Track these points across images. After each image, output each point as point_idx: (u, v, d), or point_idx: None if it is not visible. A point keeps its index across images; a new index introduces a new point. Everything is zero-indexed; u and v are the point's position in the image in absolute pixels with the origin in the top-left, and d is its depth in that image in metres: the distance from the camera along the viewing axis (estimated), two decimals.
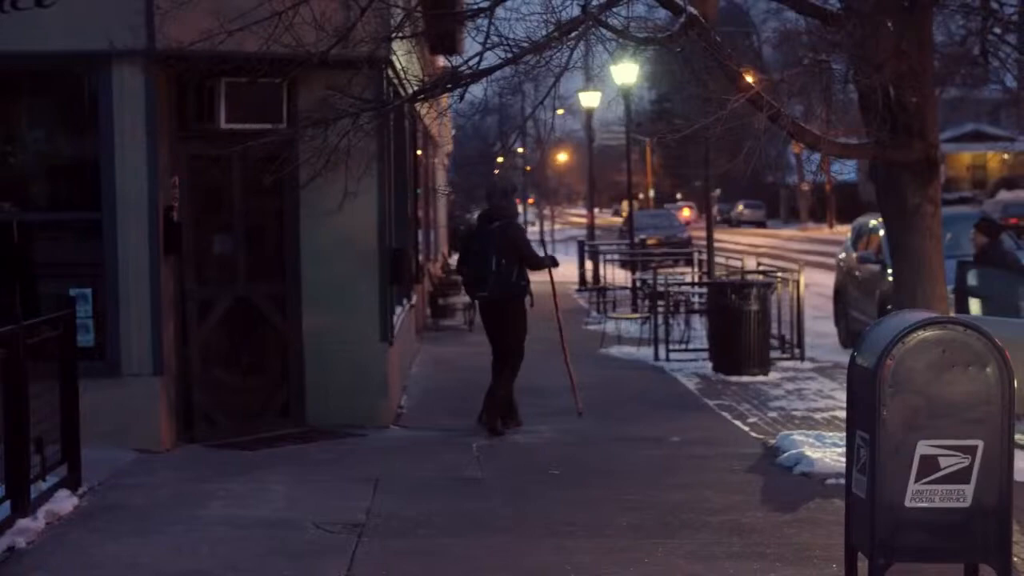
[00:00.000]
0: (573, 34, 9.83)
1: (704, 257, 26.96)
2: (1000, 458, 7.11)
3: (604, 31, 9.93)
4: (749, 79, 11.60)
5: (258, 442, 13.09)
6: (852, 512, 7.55)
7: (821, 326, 23.14)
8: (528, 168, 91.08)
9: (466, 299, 25.65)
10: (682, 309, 21.69)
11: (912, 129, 11.69)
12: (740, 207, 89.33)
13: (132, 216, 12.56)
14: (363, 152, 12.86)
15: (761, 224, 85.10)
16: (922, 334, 7.15)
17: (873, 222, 22.23)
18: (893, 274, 12.43)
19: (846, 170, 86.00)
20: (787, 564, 8.78)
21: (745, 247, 45.70)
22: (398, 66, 14.17)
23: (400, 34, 12.33)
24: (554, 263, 15.01)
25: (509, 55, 10.13)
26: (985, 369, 7.10)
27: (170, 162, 12.97)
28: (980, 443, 7.09)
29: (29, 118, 13.28)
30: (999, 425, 7.10)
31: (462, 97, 11.24)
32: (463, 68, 10.68)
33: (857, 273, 21.28)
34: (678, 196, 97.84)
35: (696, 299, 22.23)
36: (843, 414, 14.50)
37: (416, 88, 12.33)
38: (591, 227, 44.45)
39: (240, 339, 13.74)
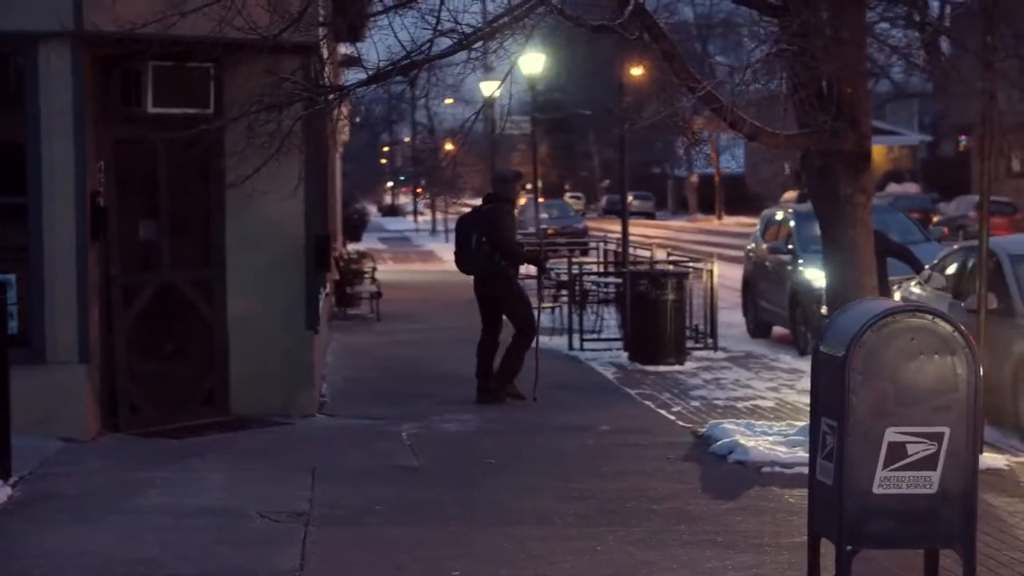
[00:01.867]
0: (527, 19, 9.78)
1: (609, 247, 27.12)
2: (966, 445, 7.18)
3: (560, 18, 9.90)
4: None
5: (184, 431, 12.91)
6: (816, 499, 7.59)
7: (726, 316, 23.27)
8: (412, 157, 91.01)
9: (372, 288, 25.59)
10: (592, 299, 21.70)
11: (846, 120, 11.77)
12: (630, 198, 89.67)
13: (59, 201, 12.32)
14: (292, 139, 12.72)
15: (650, 215, 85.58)
16: (891, 322, 7.20)
17: (781, 214, 22.46)
18: (824, 264, 12.52)
19: (734, 162, 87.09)
20: (740, 552, 8.83)
21: (640, 238, 45.87)
22: (324, 53, 14.04)
23: (325, 20, 12.22)
24: (536, 262, 15.58)
25: (461, 39, 10.06)
26: (953, 357, 7.16)
27: (96, 146, 12.74)
28: (947, 430, 7.15)
29: None
30: (965, 412, 7.17)
31: (413, 83, 11.16)
32: (416, 54, 10.59)
33: (767, 264, 21.45)
34: (566, 187, 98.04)
35: (608, 289, 22.27)
36: (764, 403, 14.74)
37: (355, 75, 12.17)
38: None
39: (165, 327, 13.54)
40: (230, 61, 12.91)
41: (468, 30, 10.17)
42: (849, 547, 7.22)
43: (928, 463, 7.16)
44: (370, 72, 10.97)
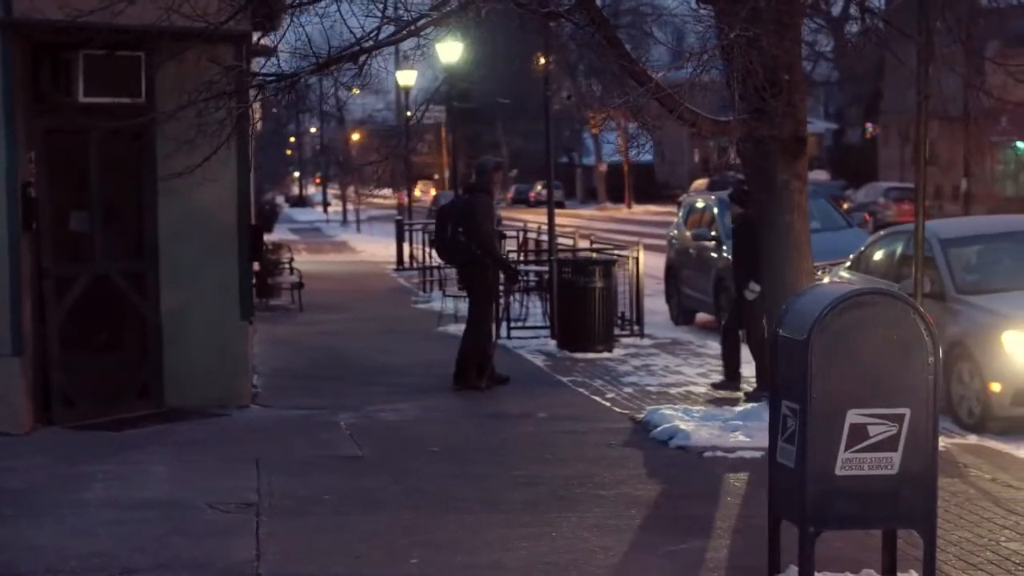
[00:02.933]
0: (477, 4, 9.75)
1: (530, 236, 27.15)
2: (926, 426, 7.25)
3: (512, 4, 9.89)
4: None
5: (120, 423, 12.77)
6: (777, 481, 7.63)
7: (648, 303, 23.34)
8: (319, 148, 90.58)
9: (293, 279, 25.45)
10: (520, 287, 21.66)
11: (782, 107, 11.85)
12: (539, 187, 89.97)
13: None
14: (224, 128, 12.63)
15: (560, 204, 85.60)
16: (852, 305, 7.25)
17: (703, 201, 22.55)
18: (761, 249, 12.59)
19: (643, 152, 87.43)
20: (694, 536, 8.88)
21: (557, 227, 45.92)
22: (253, 40, 13.98)
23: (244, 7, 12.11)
24: (509, 270, 15.94)
25: (403, 28, 10.01)
26: (912, 339, 7.24)
27: (26, 136, 12.57)
28: (907, 411, 7.22)
29: None
30: (925, 394, 7.24)
31: (361, 70, 11.09)
32: (365, 40, 10.53)
33: (690, 251, 21.54)
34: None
35: (531, 277, 22.29)
36: (697, 388, 14.83)
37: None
38: (409, 206, 44.32)
39: (98, 318, 13.38)
40: (160, 49, 12.77)
41: (413, 16, 10.12)
42: (812, 529, 7.27)
43: (889, 444, 7.23)
44: (320, 59, 10.87)
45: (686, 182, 77.32)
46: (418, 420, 13.26)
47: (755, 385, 14.08)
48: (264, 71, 12.05)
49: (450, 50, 28.24)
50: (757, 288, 14.06)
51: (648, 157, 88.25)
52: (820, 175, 56.08)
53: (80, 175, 13.20)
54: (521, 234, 28.00)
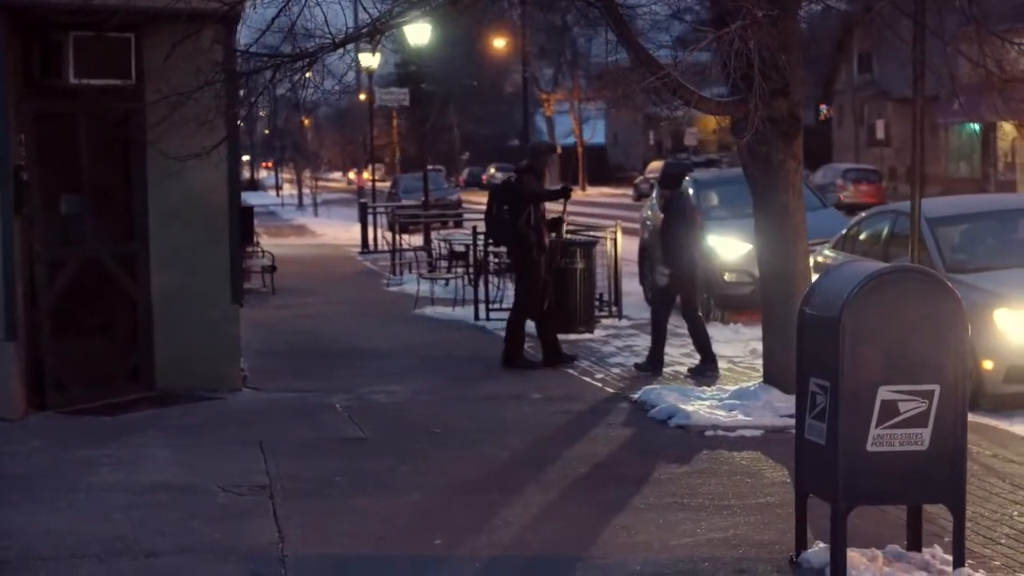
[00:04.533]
0: None
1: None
2: (955, 402, 7.31)
3: None
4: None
5: (113, 407, 12.70)
6: (805, 458, 7.67)
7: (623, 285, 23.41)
8: (267, 131, 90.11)
9: (265, 262, 25.36)
10: (492, 268, 21.65)
11: (781, 88, 11.89)
12: (492, 170, 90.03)
13: None
14: (216, 110, 12.57)
15: None
16: (882, 283, 7.30)
17: None
18: (756, 229, 12.64)
19: (596, 134, 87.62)
20: (710, 514, 8.91)
21: None
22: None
23: None
24: (566, 194, 15.48)
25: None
26: (942, 315, 7.29)
27: (17, 119, 12.46)
28: (937, 387, 7.27)
29: None
30: (954, 370, 7.30)
31: (376, 47, 11.04)
32: (380, 21, 10.48)
33: None
34: (427, 160, 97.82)
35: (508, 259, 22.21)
36: (682, 368, 14.83)
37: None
38: (373, 189, 44.25)
39: (90, 302, 13.27)
40: (150, 30, 12.71)
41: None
42: (844, 505, 7.31)
43: (919, 420, 7.27)
44: (333, 39, 10.80)
45: (640, 165, 77.50)
46: (412, 402, 13.24)
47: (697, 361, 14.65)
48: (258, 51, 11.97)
49: (419, 32, 28.08)
50: (667, 272, 14.70)
51: (601, 140, 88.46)
52: None
53: (71, 158, 13.09)
54: None
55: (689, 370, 14.77)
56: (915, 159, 12.02)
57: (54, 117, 12.93)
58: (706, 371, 14.53)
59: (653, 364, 14.73)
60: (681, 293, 14.91)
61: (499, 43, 64.12)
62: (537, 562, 7.88)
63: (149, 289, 13.37)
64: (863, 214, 16.68)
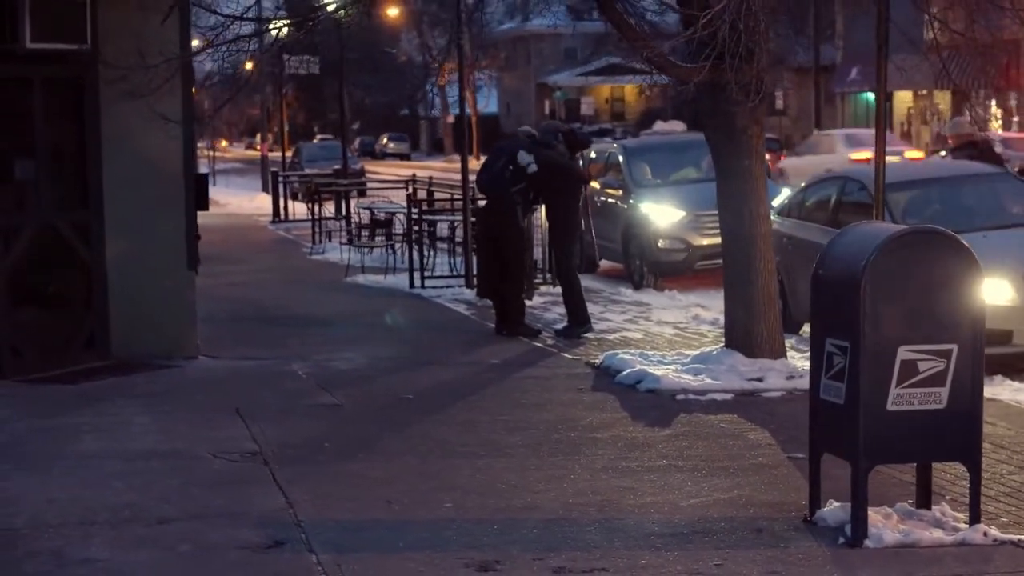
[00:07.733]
0: None
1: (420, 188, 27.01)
2: (972, 361, 7.45)
3: None
4: None
5: (73, 376, 12.54)
6: (821, 418, 7.76)
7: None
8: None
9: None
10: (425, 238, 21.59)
11: (745, 54, 11.96)
12: (385, 140, 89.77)
13: None
14: (170, 75, 12.48)
15: (406, 156, 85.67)
16: (901, 244, 7.41)
17: (607, 149, 22.62)
18: (719, 193, 12.73)
19: (489, 103, 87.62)
20: (708, 475, 9.00)
21: (410, 178, 45.83)
22: None
23: None
24: (584, 181, 15.84)
25: None
26: (959, 275, 7.42)
27: None
28: (955, 347, 7.40)
29: None
30: (971, 329, 7.43)
31: (369, 14, 11.00)
32: None
33: (597, 200, 21.60)
34: (315, 129, 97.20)
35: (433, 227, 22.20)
36: (631, 335, 14.95)
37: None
38: (283, 158, 43.95)
39: (45, 269, 13.07)
40: None
41: None
42: (866, 464, 7.42)
43: (938, 379, 7.41)
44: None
45: None
46: (373, 368, 13.19)
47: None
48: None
49: None
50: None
51: (493, 109, 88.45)
52: (677, 125, 56.47)
53: (25, 124, 12.87)
54: (410, 184, 27.71)
55: (556, 331, 15.06)
56: (879, 125, 12.18)
57: (8, 82, 12.71)
58: (575, 332, 14.83)
59: (581, 321, 14.93)
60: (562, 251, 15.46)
61: (392, 11, 63.72)
62: (554, 524, 7.89)
63: (104, 256, 13.19)
64: (808, 179, 16.84)
